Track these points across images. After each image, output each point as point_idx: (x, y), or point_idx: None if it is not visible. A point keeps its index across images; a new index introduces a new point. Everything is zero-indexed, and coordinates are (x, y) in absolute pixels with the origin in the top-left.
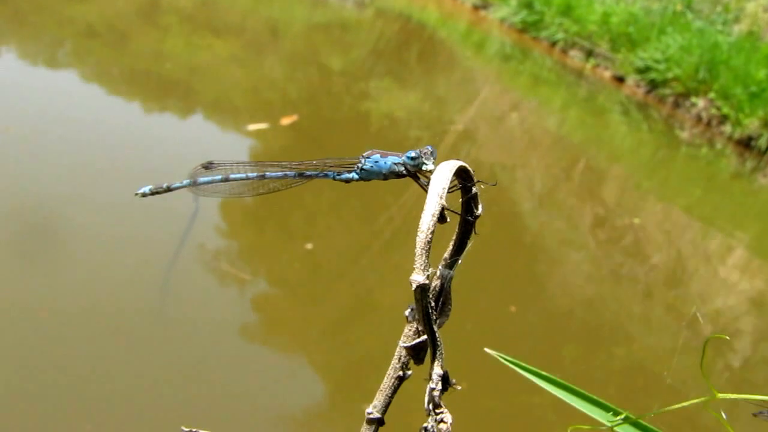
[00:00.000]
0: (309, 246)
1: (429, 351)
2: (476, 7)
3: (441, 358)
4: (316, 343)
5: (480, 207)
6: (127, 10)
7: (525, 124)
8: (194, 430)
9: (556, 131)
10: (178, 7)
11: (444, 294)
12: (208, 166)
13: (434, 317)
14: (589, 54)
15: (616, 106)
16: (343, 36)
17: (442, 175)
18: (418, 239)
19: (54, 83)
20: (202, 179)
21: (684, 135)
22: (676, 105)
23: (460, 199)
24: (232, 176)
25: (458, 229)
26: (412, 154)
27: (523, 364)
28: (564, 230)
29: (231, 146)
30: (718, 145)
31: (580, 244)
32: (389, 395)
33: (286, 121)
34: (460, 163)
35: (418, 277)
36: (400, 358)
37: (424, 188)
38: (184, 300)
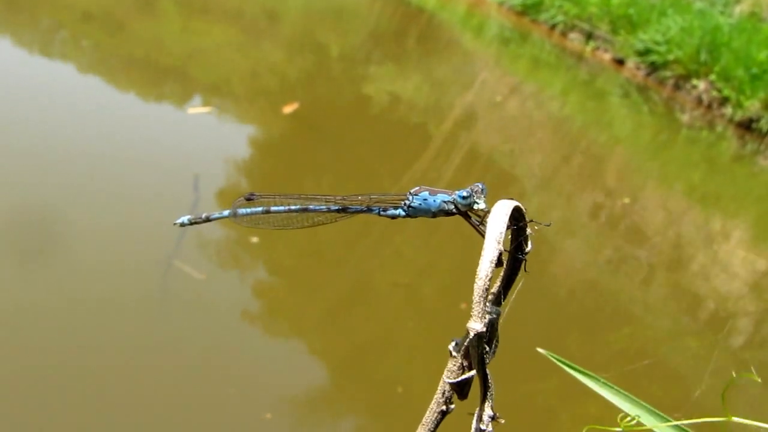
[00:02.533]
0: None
1: (480, 390)
2: None
3: (491, 398)
4: (316, 328)
5: (530, 244)
6: None
7: (524, 107)
8: None
9: (555, 114)
10: None
11: (493, 331)
12: (250, 198)
13: (488, 360)
14: (589, 36)
15: (616, 89)
16: (341, 20)
17: (498, 219)
18: (476, 286)
19: (47, 71)
20: (242, 211)
21: (684, 117)
22: (677, 87)
23: (509, 237)
24: (273, 209)
25: (506, 266)
26: (464, 194)
27: (574, 365)
28: (562, 212)
29: (231, 133)
30: (719, 128)
31: (579, 226)
32: (432, 429)
33: (288, 109)
34: (515, 203)
35: (476, 326)
36: (443, 393)
37: (476, 228)
38: (186, 287)
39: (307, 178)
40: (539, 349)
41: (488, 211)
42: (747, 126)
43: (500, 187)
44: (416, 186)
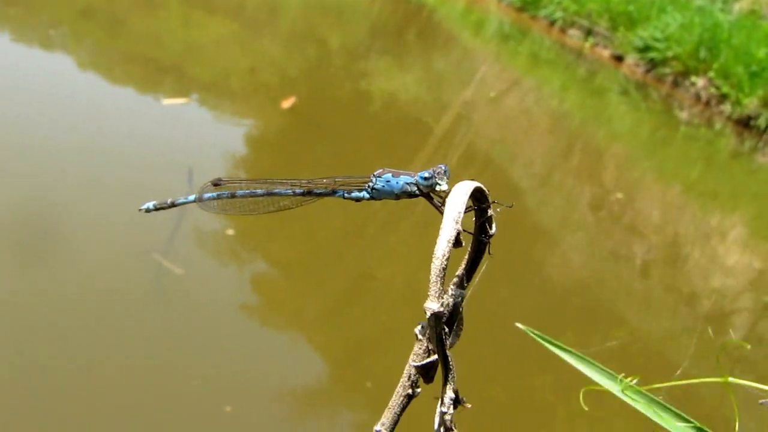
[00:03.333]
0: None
1: (440, 372)
2: None
3: (453, 381)
4: (315, 322)
5: (494, 227)
6: None
7: (523, 103)
8: None
9: (554, 111)
10: None
11: (456, 314)
12: (217, 183)
13: (447, 342)
14: (588, 33)
15: (615, 86)
16: (341, 16)
17: (457, 199)
18: (432, 266)
19: (44, 64)
20: (207, 195)
21: (683, 114)
22: (676, 84)
23: (473, 219)
24: (239, 193)
25: (471, 248)
26: (426, 174)
27: (552, 340)
28: (561, 208)
29: (227, 129)
30: (718, 125)
31: (577, 222)
32: (398, 413)
33: (286, 104)
34: (476, 184)
35: (432, 305)
36: (409, 377)
37: (438, 209)
38: (182, 279)
39: (304, 172)
40: (518, 324)
41: (451, 191)
42: (745, 123)
43: (498, 184)
44: (380, 168)
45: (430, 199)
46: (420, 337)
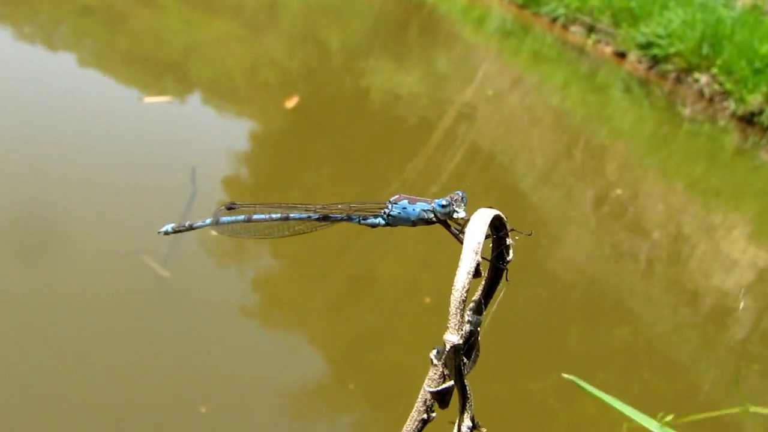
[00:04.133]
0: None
1: (458, 401)
2: None
3: (470, 409)
4: (317, 320)
5: (511, 253)
6: None
7: (525, 101)
8: None
9: (556, 108)
10: None
11: (473, 341)
12: (231, 207)
13: (466, 372)
14: (591, 30)
15: (618, 83)
16: (341, 13)
17: (477, 228)
18: (452, 298)
19: (42, 61)
20: (224, 219)
21: (686, 111)
22: (678, 81)
23: (491, 245)
24: (255, 217)
25: (488, 275)
26: (443, 202)
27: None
28: (563, 206)
29: (231, 128)
30: (721, 122)
31: (580, 219)
32: None
33: (289, 104)
34: (495, 212)
35: (452, 338)
36: (425, 402)
37: (456, 237)
38: (184, 279)
39: (306, 169)
40: (565, 375)
41: (468, 220)
42: (749, 120)
43: (498, 180)
44: (396, 194)
45: (447, 226)
46: (435, 362)
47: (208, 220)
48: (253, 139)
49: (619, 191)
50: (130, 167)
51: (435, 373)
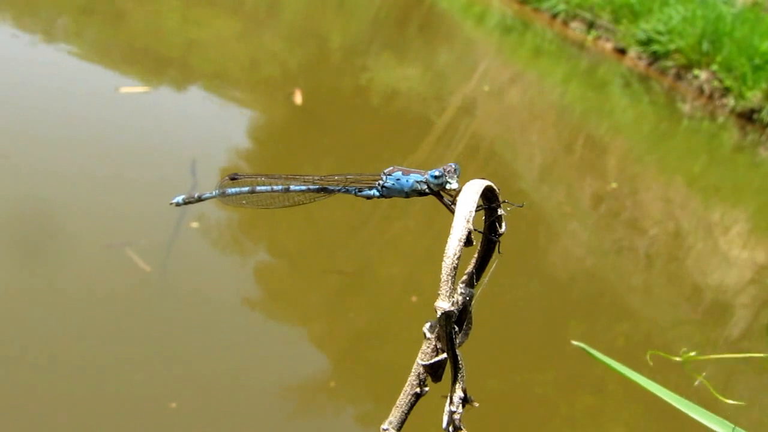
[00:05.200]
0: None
1: (449, 371)
2: None
3: (462, 380)
4: (317, 315)
5: (504, 225)
6: None
7: (525, 96)
8: None
9: (556, 103)
10: None
11: (465, 313)
12: (234, 177)
13: (457, 341)
14: (591, 26)
15: (617, 79)
16: (342, 9)
17: (468, 198)
18: (444, 265)
19: (41, 55)
20: (230, 190)
21: (686, 108)
22: (678, 77)
23: (483, 218)
24: (258, 189)
25: (480, 247)
26: (436, 173)
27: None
28: (563, 202)
29: (231, 121)
30: (720, 118)
31: (580, 215)
32: (405, 412)
33: (297, 99)
34: (487, 182)
35: (443, 305)
36: (417, 375)
37: (449, 207)
38: (185, 273)
39: (306, 162)
40: (574, 342)
41: (461, 190)
42: (748, 117)
43: (500, 177)
44: (390, 166)
45: (440, 197)
46: (428, 335)
47: (215, 192)
48: (254, 132)
49: (614, 185)
50: (128, 160)
51: (428, 347)
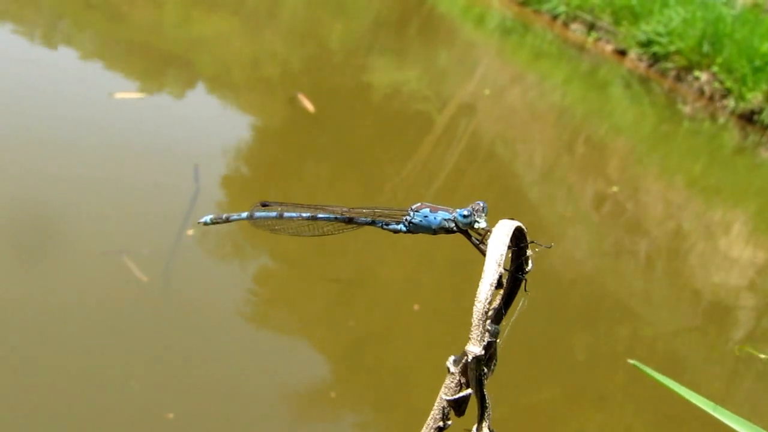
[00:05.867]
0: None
1: (477, 410)
2: None
3: (488, 418)
4: (317, 320)
5: (531, 264)
6: None
7: (525, 98)
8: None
9: (556, 105)
10: None
11: (491, 349)
12: (264, 204)
13: (486, 381)
14: (591, 27)
15: (618, 80)
16: (342, 11)
17: (499, 240)
18: (475, 309)
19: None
20: (258, 214)
21: (686, 109)
22: (678, 79)
23: (510, 256)
24: (286, 215)
25: (506, 284)
26: (465, 212)
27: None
28: (561, 203)
29: (232, 124)
30: (721, 120)
31: (581, 216)
32: None
33: (309, 105)
34: (516, 223)
35: (474, 349)
36: (441, 409)
37: (477, 247)
38: (187, 280)
39: (306, 166)
40: (630, 360)
41: (489, 230)
42: (749, 118)
43: (500, 179)
44: (418, 202)
45: (468, 236)
46: (452, 369)
47: (244, 214)
48: (255, 134)
49: (615, 188)
50: (131, 164)
51: (452, 381)
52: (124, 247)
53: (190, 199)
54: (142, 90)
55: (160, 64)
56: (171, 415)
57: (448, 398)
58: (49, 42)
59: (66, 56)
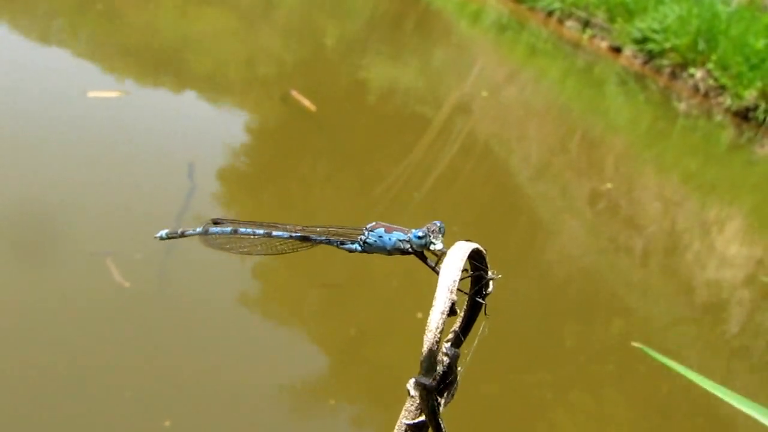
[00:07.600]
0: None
1: None
2: None
3: None
4: (312, 316)
5: (491, 286)
6: None
7: (521, 95)
8: None
9: (551, 102)
10: None
11: (451, 374)
12: (216, 222)
13: (440, 410)
14: (586, 24)
15: (613, 77)
16: (337, 7)
17: (452, 265)
18: (425, 338)
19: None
20: (213, 230)
21: (681, 106)
22: (674, 76)
23: (468, 278)
24: (241, 230)
25: (466, 308)
26: (419, 233)
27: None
28: (558, 200)
29: (226, 122)
30: (716, 117)
31: (576, 214)
32: None
33: (308, 103)
34: (473, 245)
35: (424, 380)
36: None
37: (433, 269)
38: (182, 275)
39: (302, 164)
40: (635, 344)
41: (445, 252)
42: (744, 115)
43: (495, 177)
44: (373, 222)
45: (423, 259)
46: (412, 393)
47: (199, 229)
48: (249, 132)
49: (609, 185)
50: (122, 164)
51: (411, 405)
52: (114, 248)
53: (185, 197)
54: (118, 90)
55: (152, 62)
56: (168, 423)
57: (407, 422)
58: (45, 38)
59: (53, 53)
